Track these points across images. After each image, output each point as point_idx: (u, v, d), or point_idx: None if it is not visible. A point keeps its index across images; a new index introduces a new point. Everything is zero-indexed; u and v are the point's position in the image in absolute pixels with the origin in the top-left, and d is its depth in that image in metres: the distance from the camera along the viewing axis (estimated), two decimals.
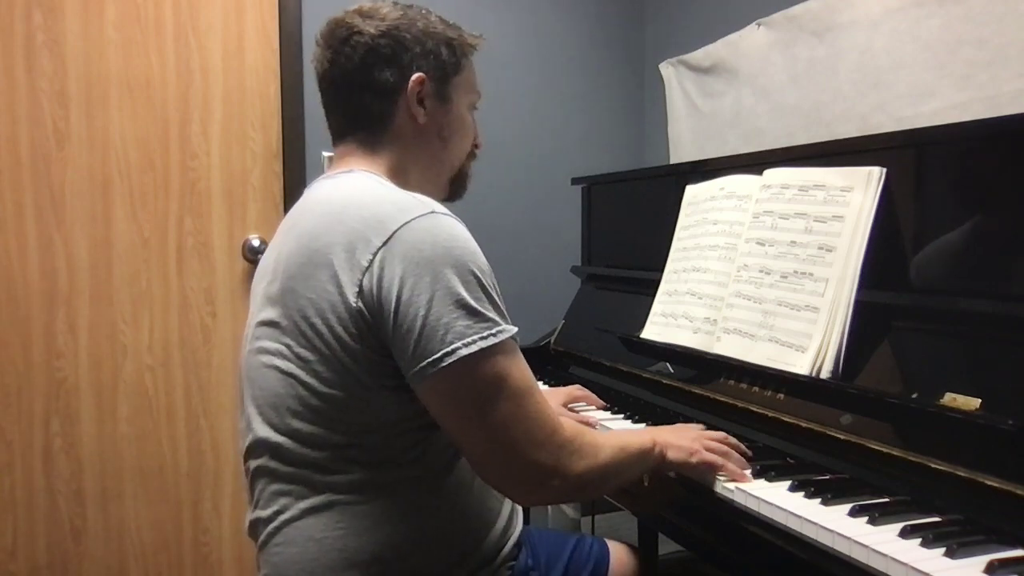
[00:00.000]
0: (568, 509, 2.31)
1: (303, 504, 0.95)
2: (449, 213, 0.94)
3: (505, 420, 0.89)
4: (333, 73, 1.06)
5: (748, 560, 1.08)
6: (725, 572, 1.35)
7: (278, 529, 0.96)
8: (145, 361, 2.06)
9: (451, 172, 1.15)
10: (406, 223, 0.90)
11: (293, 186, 2.17)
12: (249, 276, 2.15)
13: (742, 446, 1.12)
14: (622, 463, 1.00)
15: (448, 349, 0.86)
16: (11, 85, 1.90)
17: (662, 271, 1.58)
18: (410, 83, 1.04)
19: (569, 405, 1.46)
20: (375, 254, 0.89)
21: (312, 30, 2.15)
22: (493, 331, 0.89)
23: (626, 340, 1.62)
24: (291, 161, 2.17)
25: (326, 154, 2.21)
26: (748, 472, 1.06)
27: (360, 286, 0.89)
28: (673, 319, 1.49)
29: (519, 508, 1.13)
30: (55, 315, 1.97)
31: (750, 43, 2.09)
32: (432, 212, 0.92)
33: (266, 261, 1.06)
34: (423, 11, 1.09)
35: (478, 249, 0.93)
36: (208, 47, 2.08)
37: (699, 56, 2.30)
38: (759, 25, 2.05)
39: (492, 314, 0.90)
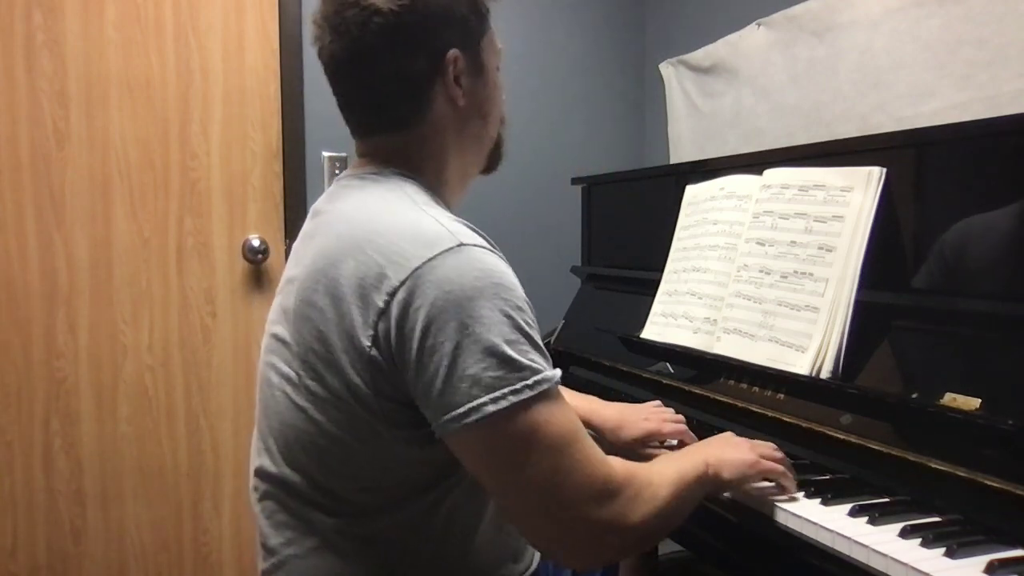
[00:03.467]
0: None
1: (309, 543, 0.90)
2: (481, 243, 0.84)
3: (547, 477, 0.78)
4: (348, 63, 0.91)
5: (748, 560, 1.08)
6: (724, 572, 1.35)
7: (284, 562, 0.92)
8: (145, 361, 2.06)
9: (490, 146, 1.04)
10: (429, 260, 0.79)
11: (293, 186, 2.17)
12: (249, 276, 2.15)
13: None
14: (682, 498, 0.88)
15: (473, 404, 0.77)
16: (11, 85, 1.90)
17: (662, 271, 1.58)
18: (447, 65, 0.92)
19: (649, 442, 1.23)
20: (392, 295, 0.79)
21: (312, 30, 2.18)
22: (528, 381, 0.78)
23: (626, 340, 1.62)
24: (291, 161, 2.17)
25: (326, 154, 2.21)
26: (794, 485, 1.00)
27: (375, 330, 0.80)
28: (673, 319, 1.49)
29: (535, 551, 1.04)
30: (55, 315, 1.97)
31: (750, 43, 2.09)
32: (460, 245, 0.81)
33: (289, 265, 0.98)
34: None
35: (514, 282, 0.83)
36: (208, 47, 2.08)
37: (699, 56, 2.30)
38: (759, 25, 2.05)
39: (527, 360, 0.79)
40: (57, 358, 1.97)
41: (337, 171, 2.23)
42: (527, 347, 0.80)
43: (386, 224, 0.85)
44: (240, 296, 2.15)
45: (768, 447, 1.04)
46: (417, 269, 0.79)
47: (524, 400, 0.78)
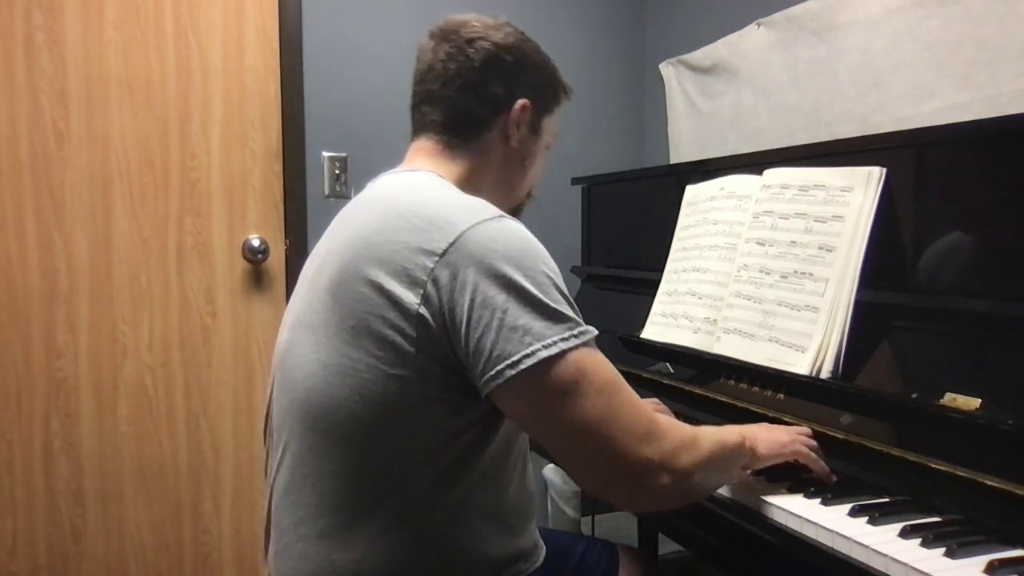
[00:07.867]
0: (568, 509, 2.31)
1: (322, 523, 0.92)
2: (514, 219, 0.93)
3: (598, 418, 0.84)
4: (447, 68, 1.04)
5: (748, 560, 1.08)
6: (725, 572, 1.36)
7: (295, 542, 0.94)
8: (145, 361, 2.06)
9: (515, 203, 1.14)
10: (474, 226, 0.87)
11: (293, 186, 2.17)
12: (249, 276, 2.15)
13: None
14: (722, 457, 0.95)
15: (527, 351, 0.83)
16: (11, 85, 1.90)
17: (662, 271, 1.58)
18: (516, 105, 1.05)
19: None
20: (442, 255, 0.86)
21: (312, 30, 2.19)
22: (575, 332, 0.86)
23: (626, 340, 1.62)
24: (291, 161, 2.17)
25: (326, 154, 2.21)
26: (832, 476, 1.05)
27: (424, 290, 0.86)
28: (673, 319, 1.49)
29: (541, 543, 1.06)
30: (55, 315, 1.97)
31: (750, 43, 2.09)
32: (500, 216, 0.91)
33: (315, 254, 1.03)
34: (536, 43, 1.12)
35: (547, 253, 0.92)
36: (208, 47, 2.08)
37: (699, 56, 2.30)
38: (759, 25, 2.06)
39: (571, 314, 0.88)
40: (57, 358, 1.97)
41: (337, 171, 2.23)
42: (565, 305, 0.88)
43: (427, 197, 0.94)
44: (240, 296, 2.15)
45: (803, 431, 1.08)
46: (464, 232, 0.87)
47: (573, 347, 0.85)
